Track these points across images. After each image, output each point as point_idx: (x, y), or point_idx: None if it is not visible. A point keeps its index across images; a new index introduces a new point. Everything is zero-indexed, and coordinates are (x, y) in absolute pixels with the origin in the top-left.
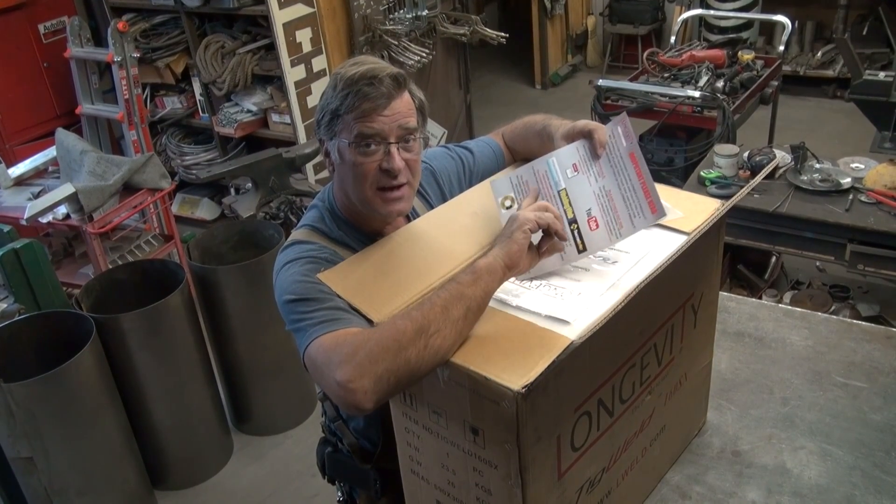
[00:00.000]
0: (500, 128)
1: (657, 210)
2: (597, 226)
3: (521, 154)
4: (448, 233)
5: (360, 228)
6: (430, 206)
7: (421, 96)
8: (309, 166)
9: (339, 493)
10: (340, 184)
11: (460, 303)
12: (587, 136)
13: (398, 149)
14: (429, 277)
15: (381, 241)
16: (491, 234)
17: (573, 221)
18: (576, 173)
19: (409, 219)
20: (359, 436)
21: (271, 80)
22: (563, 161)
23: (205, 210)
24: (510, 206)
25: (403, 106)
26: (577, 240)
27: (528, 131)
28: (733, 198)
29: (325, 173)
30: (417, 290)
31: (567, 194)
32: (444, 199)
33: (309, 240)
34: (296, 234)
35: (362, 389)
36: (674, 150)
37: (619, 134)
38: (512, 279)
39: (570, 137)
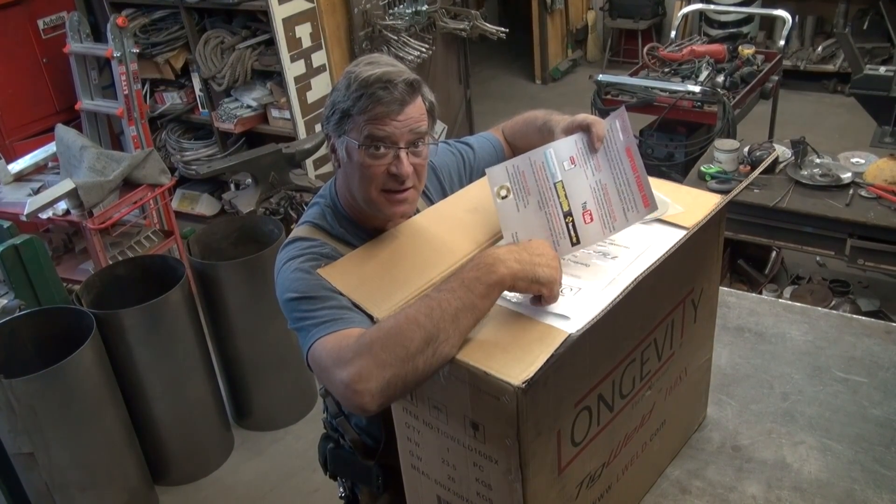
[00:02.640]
0: (500, 123)
1: (650, 204)
2: (591, 219)
3: (521, 149)
4: (447, 229)
5: (362, 225)
6: (431, 202)
7: (432, 98)
8: (309, 162)
9: (341, 489)
10: (345, 181)
11: (471, 313)
12: (586, 129)
13: (407, 153)
14: (428, 273)
15: (381, 236)
16: (489, 230)
17: (568, 214)
18: (573, 166)
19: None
20: (361, 432)
21: (271, 75)
22: (561, 153)
23: (205, 206)
24: (506, 196)
25: (416, 111)
26: (572, 233)
27: (529, 127)
28: (732, 192)
29: (324, 169)
30: (416, 286)
31: (563, 187)
32: (444, 195)
33: (310, 236)
34: (297, 231)
35: (369, 392)
36: (674, 145)
37: (617, 128)
38: None
39: (570, 131)
